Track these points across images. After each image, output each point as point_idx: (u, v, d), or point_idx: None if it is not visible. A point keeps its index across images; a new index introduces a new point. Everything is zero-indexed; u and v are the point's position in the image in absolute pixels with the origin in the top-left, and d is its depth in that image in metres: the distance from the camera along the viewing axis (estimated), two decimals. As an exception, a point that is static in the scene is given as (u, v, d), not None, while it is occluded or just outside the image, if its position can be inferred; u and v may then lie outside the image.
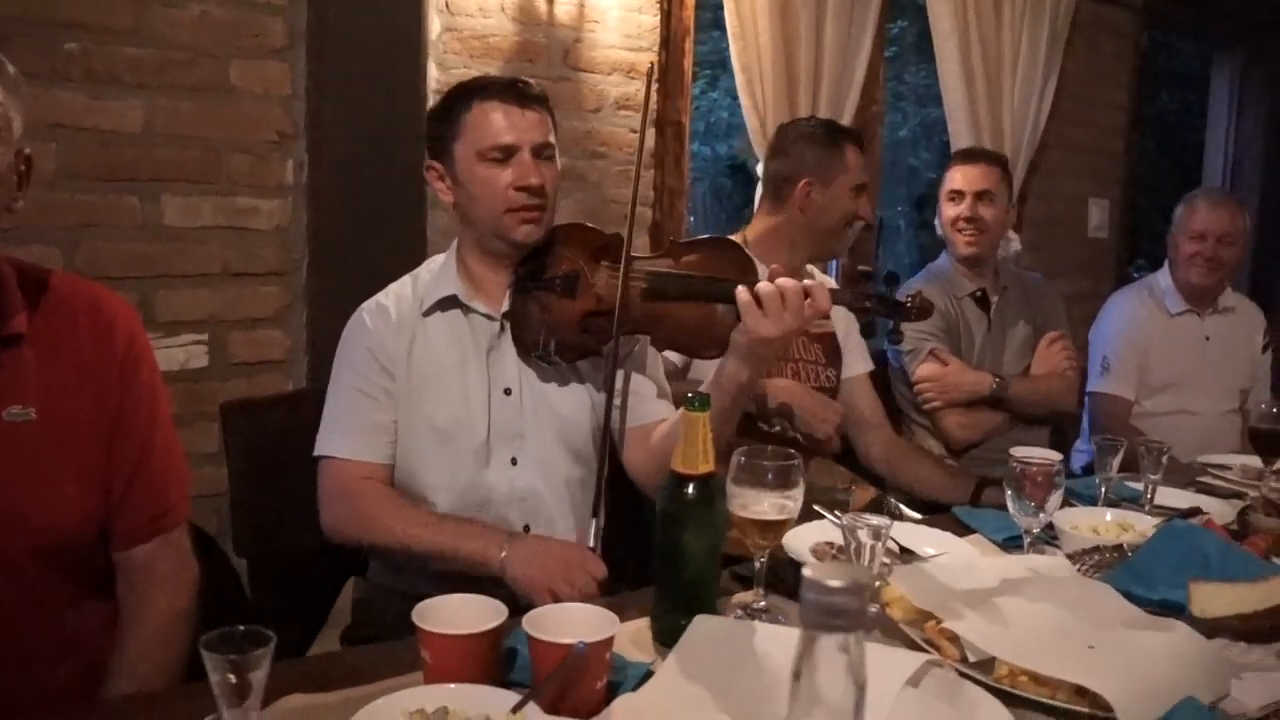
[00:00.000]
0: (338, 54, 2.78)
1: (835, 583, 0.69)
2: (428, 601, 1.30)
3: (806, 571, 0.70)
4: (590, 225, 2.16)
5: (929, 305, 2.01)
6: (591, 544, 1.88)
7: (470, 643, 1.24)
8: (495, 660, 1.28)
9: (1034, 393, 3.21)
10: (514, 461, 2.03)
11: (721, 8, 3.49)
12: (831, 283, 2.86)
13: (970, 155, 3.38)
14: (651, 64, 2.33)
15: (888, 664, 1.26)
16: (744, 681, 1.27)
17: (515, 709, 1.15)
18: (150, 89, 2.60)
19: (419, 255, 2.85)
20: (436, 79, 2.96)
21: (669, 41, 3.46)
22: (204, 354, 2.69)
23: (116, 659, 1.57)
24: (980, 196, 3.20)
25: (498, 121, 1.96)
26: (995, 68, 4.22)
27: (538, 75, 3.06)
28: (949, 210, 3.26)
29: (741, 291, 1.81)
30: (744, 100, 3.49)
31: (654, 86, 2.19)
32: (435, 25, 2.97)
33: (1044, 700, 1.33)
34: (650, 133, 2.08)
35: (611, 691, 1.28)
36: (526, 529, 2.03)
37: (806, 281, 1.82)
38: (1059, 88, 4.50)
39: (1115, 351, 3.66)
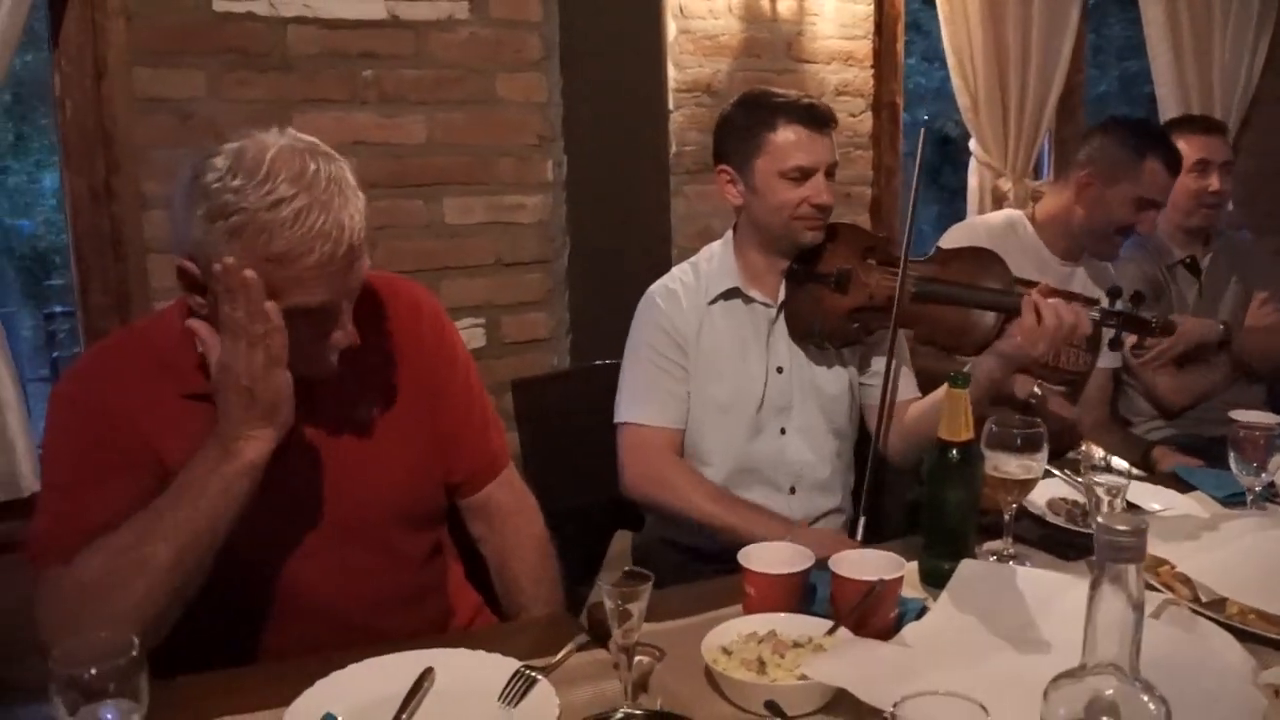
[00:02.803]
0: (588, 62, 3.11)
1: (1122, 527, 0.94)
2: (748, 548, 1.60)
3: (1100, 519, 0.95)
4: (859, 226, 2.41)
5: (1172, 325, 2.19)
6: (858, 536, 2.14)
7: (788, 580, 1.54)
8: (804, 595, 1.57)
9: (1258, 343, 3.28)
10: (782, 431, 2.31)
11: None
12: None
13: (1208, 125, 3.37)
14: (916, 188, 2.35)
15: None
16: (1008, 613, 1.52)
17: (829, 632, 1.44)
18: (430, 104, 2.97)
19: (664, 241, 3.17)
20: (674, 78, 3.26)
21: (881, 27, 3.67)
22: (482, 335, 3.07)
23: (511, 591, 1.89)
24: (1224, 167, 3.26)
25: (799, 145, 2.19)
26: (1204, 27, 4.23)
27: (763, 69, 3.34)
28: (1193, 183, 3.24)
29: (1028, 306, 2.05)
30: (955, 80, 3.69)
31: (916, 197, 2.37)
32: (671, 29, 3.26)
33: (1273, 636, 1.53)
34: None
35: (898, 621, 1.55)
36: (793, 490, 2.32)
37: (1077, 309, 2.05)
38: (1272, 40, 4.44)
39: (1332, 309, 3.67)
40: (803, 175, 2.21)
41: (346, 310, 1.57)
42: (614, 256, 3.12)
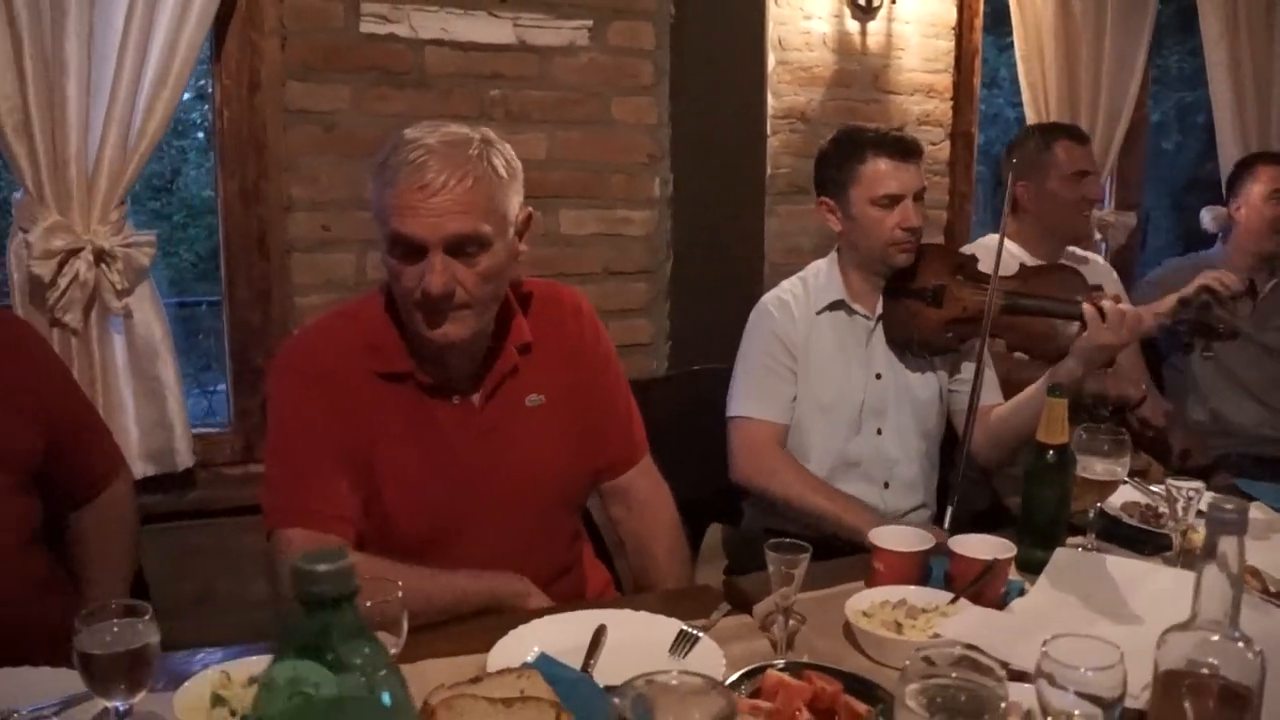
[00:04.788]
0: (695, 88, 3.37)
1: (1229, 505, 1.18)
2: (879, 530, 1.87)
3: (1209, 500, 1.19)
4: (949, 247, 2.64)
5: (1236, 331, 2.42)
6: (946, 525, 2.33)
7: (916, 557, 1.80)
8: (924, 571, 1.82)
9: None
10: (878, 431, 2.55)
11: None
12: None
13: None
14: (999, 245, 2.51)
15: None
16: (1102, 592, 1.75)
17: (951, 601, 1.68)
18: (551, 123, 3.24)
19: (758, 256, 3.42)
20: (772, 105, 3.51)
21: (960, 61, 3.91)
22: (589, 339, 3.32)
23: (649, 568, 2.10)
24: None
25: (888, 174, 2.45)
26: (1265, 61, 4.35)
27: (852, 99, 3.59)
28: (1270, 211, 3.49)
29: (1089, 307, 2.30)
30: (1030, 114, 3.92)
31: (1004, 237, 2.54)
32: (771, 60, 3.51)
33: (1335, 621, 1.76)
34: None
35: (1004, 598, 1.79)
36: (886, 485, 2.56)
37: (1139, 309, 2.32)
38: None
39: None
40: (892, 201, 2.45)
41: (438, 259, 1.72)
42: (712, 269, 3.37)
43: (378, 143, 2.97)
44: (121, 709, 1.28)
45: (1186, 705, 1.18)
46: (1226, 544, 1.18)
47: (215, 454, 3.09)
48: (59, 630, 1.81)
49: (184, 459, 2.89)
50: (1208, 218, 3.87)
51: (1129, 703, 1.19)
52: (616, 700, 0.93)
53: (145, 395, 2.83)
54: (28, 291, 2.66)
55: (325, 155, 3.06)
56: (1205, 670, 1.20)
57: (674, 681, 0.96)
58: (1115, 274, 3.31)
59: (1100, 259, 3.39)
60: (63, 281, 2.63)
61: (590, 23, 3.26)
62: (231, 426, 3.16)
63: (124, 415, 2.80)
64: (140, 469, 2.79)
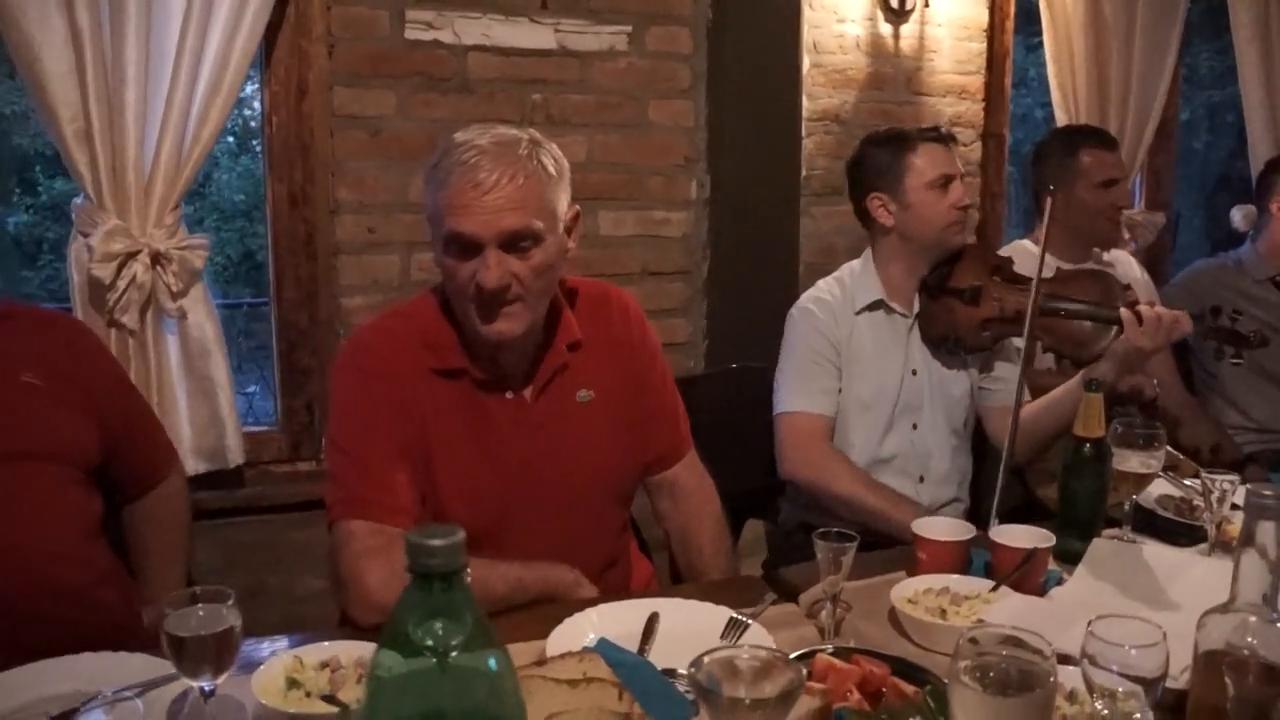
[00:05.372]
0: (731, 91, 3.43)
1: (1268, 491, 1.23)
2: (921, 520, 1.92)
3: (1249, 488, 1.25)
4: (987, 247, 2.70)
5: (1267, 339, 2.47)
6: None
7: (957, 547, 1.86)
8: (965, 560, 1.87)
9: None
10: (914, 427, 2.61)
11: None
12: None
13: None
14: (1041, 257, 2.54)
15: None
16: (1140, 581, 1.80)
17: (993, 589, 1.73)
18: (590, 126, 3.31)
19: (793, 257, 3.46)
20: (806, 108, 3.57)
21: (992, 63, 3.95)
22: (635, 339, 3.38)
23: (693, 560, 2.16)
24: None
25: (938, 158, 2.55)
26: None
27: (885, 100, 3.64)
28: None
29: (1127, 312, 2.35)
30: (1060, 115, 3.96)
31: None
32: (805, 63, 3.57)
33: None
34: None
35: (1043, 586, 1.84)
36: (921, 479, 2.62)
37: (1176, 313, 2.36)
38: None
39: None
40: (946, 182, 2.54)
41: (493, 254, 1.77)
42: (748, 269, 3.43)
43: (423, 147, 3.12)
44: (208, 689, 1.35)
45: (1227, 683, 1.23)
46: (1265, 529, 1.24)
47: (263, 452, 3.17)
48: (119, 619, 1.92)
49: (235, 456, 2.97)
50: (1238, 216, 3.90)
51: (1169, 684, 1.24)
52: (691, 672, 0.99)
53: (198, 394, 2.91)
54: (87, 293, 2.74)
55: (371, 159, 3.13)
56: (1244, 651, 1.25)
57: (744, 656, 1.02)
58: (1145, 271, 3.34)
59: (1128, 256, 3.42)
60: (121, 284, 2.71)
61: (629, 28, 3.33)
62: (279, 425, 3.23)
63: (177, 413, 2.88)
64: (192, 466, 2.86)
